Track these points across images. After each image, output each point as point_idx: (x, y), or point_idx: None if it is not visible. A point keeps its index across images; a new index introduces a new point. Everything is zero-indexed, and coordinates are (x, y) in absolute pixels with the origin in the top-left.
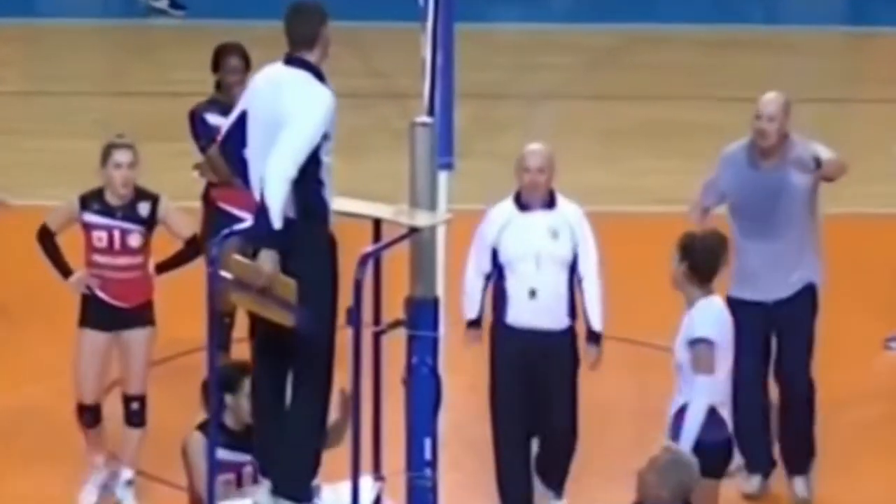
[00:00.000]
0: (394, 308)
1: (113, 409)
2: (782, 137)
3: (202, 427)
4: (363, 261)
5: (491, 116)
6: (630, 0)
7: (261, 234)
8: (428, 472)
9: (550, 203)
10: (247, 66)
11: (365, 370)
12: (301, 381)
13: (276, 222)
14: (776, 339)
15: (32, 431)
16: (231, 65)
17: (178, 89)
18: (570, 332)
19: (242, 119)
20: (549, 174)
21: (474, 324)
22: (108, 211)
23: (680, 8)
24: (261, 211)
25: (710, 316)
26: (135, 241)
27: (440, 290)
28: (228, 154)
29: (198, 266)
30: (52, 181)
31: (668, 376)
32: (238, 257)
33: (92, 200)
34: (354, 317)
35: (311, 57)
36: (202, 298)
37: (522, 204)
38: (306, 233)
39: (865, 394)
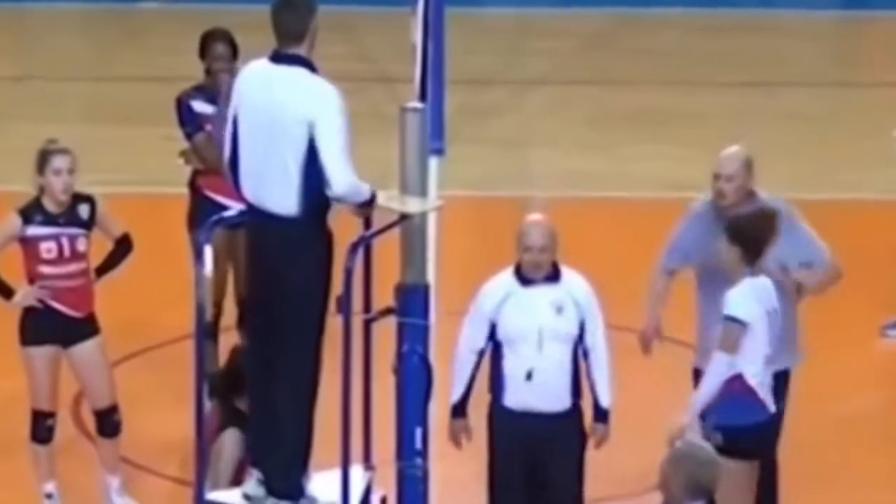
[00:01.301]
0: (384, 296)
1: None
2: (745, 196)
3: (230, 419)
4: (353, 248)
5: (481, 102)
6: None
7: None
8: (419, 461)
9: (554, 276)
10: (234, 53)
11: (355, 359)
12: (289, 375)
13: (366, 193)
14: None
15: None
16: (217, 51)
17: (165, 74)
18: (574, 413)
19: (235, 123)
20: (551, 251)
21: (459, 410)
22: (50, 220)
23: None
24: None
25: (748, 296)
26: (82, 245)
27: (431, 278)
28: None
29: (186, 254)
30: None
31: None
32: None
33: (32, 212)
34: (345, 305)
35: (301, 51)
36: (190, 286)
37: (523, 278)
38: (309, 230)
39: (861, 381)
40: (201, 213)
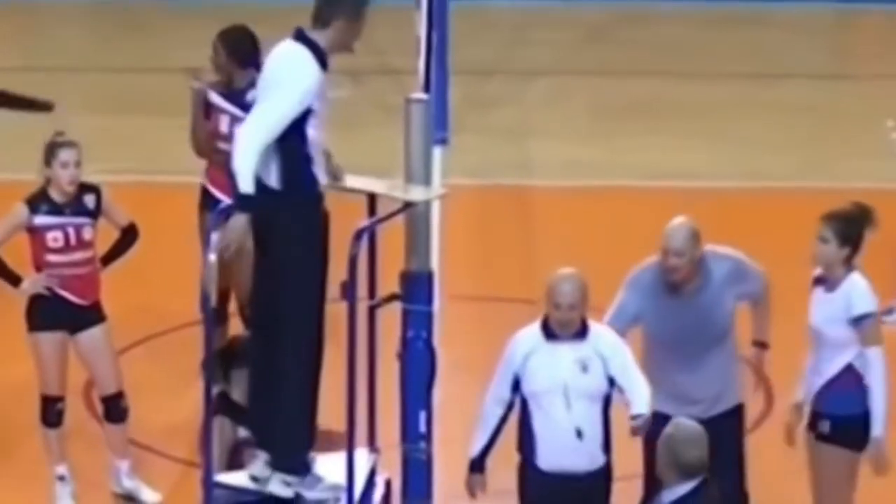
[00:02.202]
0: (389, 282)
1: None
2: (695, 265)
3: (222, 408)
4: (358, 236)
5: (484, 92)
6: None
7: (234, 200)
8: (423, 444)
9: (582, 332)
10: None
11: (360, 344)
12: (289, 355)
13: (244, 185)
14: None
15: None
16: (214, 47)
17: (166, 65)
18: (606, 471)
19: None
20: (581, 308)
21: (478, 465)
22: (57, 209)
23: None
24: (233, 177)
25: (865, 290)
26: (88, 234)
27: (435, 265)
28: None
29: (191, 242)
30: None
31: None
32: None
33: (39, 203)
34: (349, 291)
35: (318, 36)
36: (195, 273)
37: (550, 332)
38: (291, 205)
39: None
40: (208, 201)
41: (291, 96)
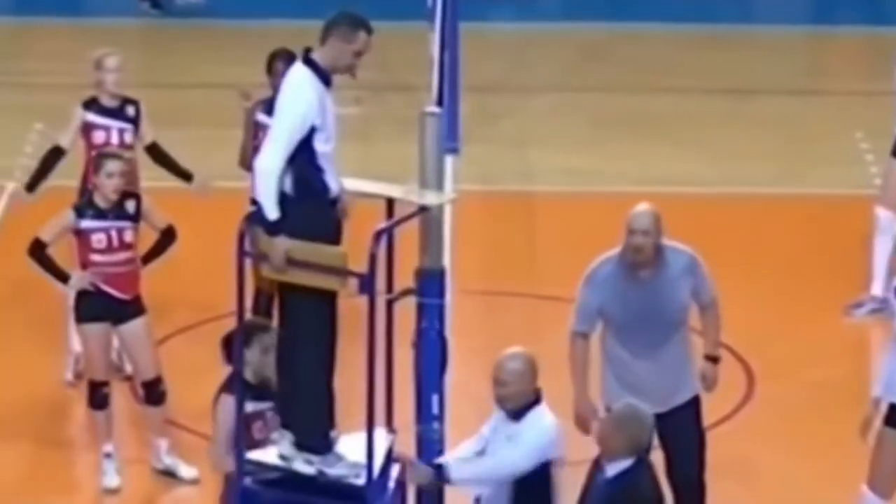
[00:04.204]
0: (405, 278)
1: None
2: (657, 248)
3: (227, 387)
4: (377, 236)
5: (491, 106)
6: (615, 0)
7: (263, 226)
8: (436, 425)
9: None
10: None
11: (379, 335)
12: (306, 343)
13: (270, 213)
14: (665, 447)
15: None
16: (278, 69)
17: (202, 81)
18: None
19: None
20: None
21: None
22: (101, 214)
23: (660, 7)
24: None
25: None
26: (129, 236)
27: (447, 262)
28: None
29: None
30: None
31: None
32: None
33: (85, 208)
34: (369, 286)
35: (319, 54)
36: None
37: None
38: (304, 209)
39: (827, 354)
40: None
41: (293, 121)
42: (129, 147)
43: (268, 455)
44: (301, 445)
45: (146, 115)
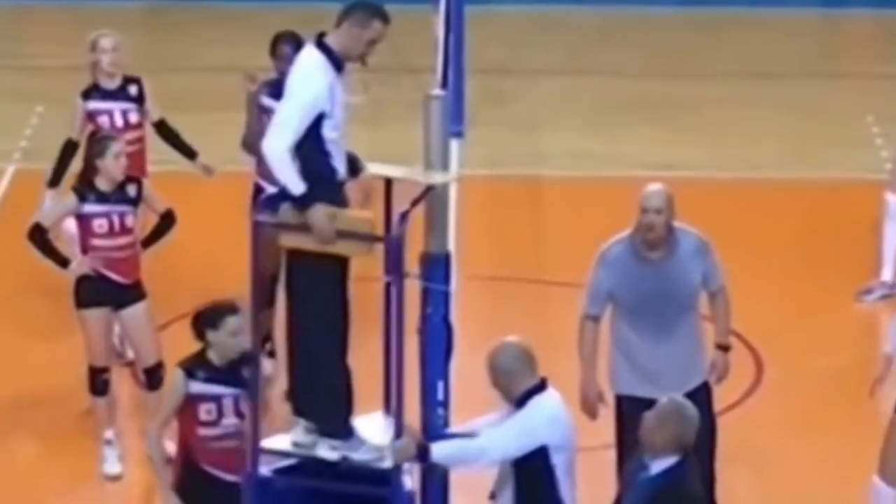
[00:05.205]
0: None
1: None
2: (669, 229)
3: (186, 363)
4: (401, 218)
5: (497, 89)
6: None
7: (293, 202)
8: (441, 410)
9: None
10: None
11: (378, 321)
12: (320, 324)
13: (296, 189)
14: None
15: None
16: (283, 52)
17: (204, 65)
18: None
19: None
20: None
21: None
22: (103, 198)
23: None
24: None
25: None
26: (130, 220)
27: (452, 247)
28: None
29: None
30: None
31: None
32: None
33: (87, 192)
34: (393, 272)
35: (332, 39)
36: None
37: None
38: (311, 192)
39: (837, 340)
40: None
41: (302, 105)
42: (136, 126)
43: (281, 442)
44: (323, 431)
45: (151, 93)
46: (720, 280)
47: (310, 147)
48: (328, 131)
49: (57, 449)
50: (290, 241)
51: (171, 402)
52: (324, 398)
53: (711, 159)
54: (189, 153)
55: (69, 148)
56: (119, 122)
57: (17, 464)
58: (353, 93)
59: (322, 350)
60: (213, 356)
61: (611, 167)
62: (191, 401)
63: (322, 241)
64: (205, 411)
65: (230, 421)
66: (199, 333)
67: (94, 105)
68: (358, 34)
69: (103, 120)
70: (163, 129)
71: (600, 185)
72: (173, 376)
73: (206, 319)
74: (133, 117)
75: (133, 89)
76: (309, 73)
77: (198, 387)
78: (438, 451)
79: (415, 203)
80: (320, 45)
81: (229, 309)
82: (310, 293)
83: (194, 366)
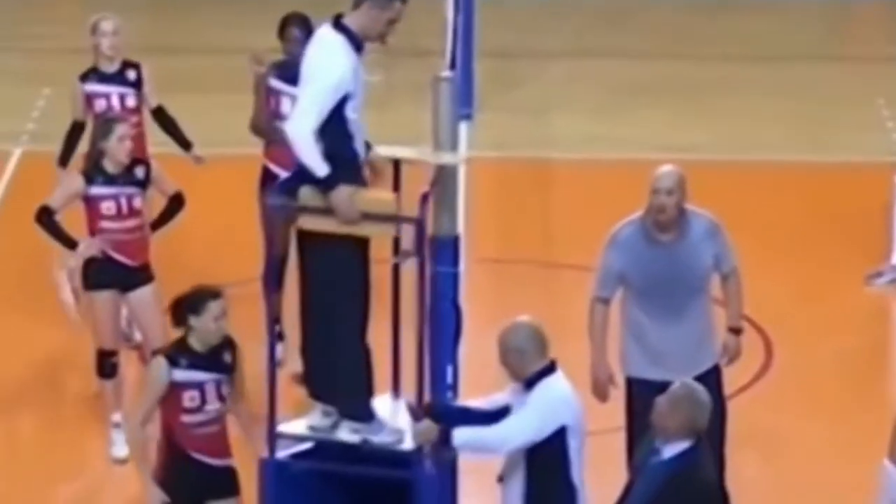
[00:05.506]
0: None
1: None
2: (680, 211)
3: (167, 351)
4: (423, 199)
5: (506, 72)
6: None
7: (317, 183)
8: (449, 393)
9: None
10: (308, 36)
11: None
12: (341, 308)
13: (320, 171)
14: None
15: None
16: (292, 34)
17: (211, 46)
18: None
19: None
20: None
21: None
22: (111, 180)
23: None
24: (303, 167)
25: None
26: (138, 202)
27: (461, 230)
28: None
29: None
30: None
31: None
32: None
33: (94, 174)
34: (419, 252)
35: (351, 20)
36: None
37: None
38: (334, 174)
39: (847, 323)
40: (268, 179)
41: (328, 87)
42: (134, 111)
43: (298, 427)
44: (345, 414)
45: (150, 78)
46: (732, 262)
47: (333, 129)
48: (351, 112)
49: (65, 432)
50: (309, 223)
51: (153, 393)
52: (345, 381)
53: (721, 142)
54: (184, 143)
55: (75, 129)
56: (116, 105)
57: (26, 447)
58: (370, 72)
59: (344, 332)
60: (195, 342)
61: (620, 150)
62: (174, 389)
63: (346, 223)
64: (188, 398)
65: (213, 406)
66: (181, 319)
67: (91, 87)
68: (378, 15)
69: (100, 103)
70: (160, 116)
71: (609, 167)
72: (155, 365)
73: (189, 305)
74: (130, 102)
75: (132, 74)
76: (332, 54)
77: (181, 375)
78: (460, 436)
79: (434, 184)
80: (338, 25)
81: (212, 294)
82: (332, 275)
83: (176, 354)
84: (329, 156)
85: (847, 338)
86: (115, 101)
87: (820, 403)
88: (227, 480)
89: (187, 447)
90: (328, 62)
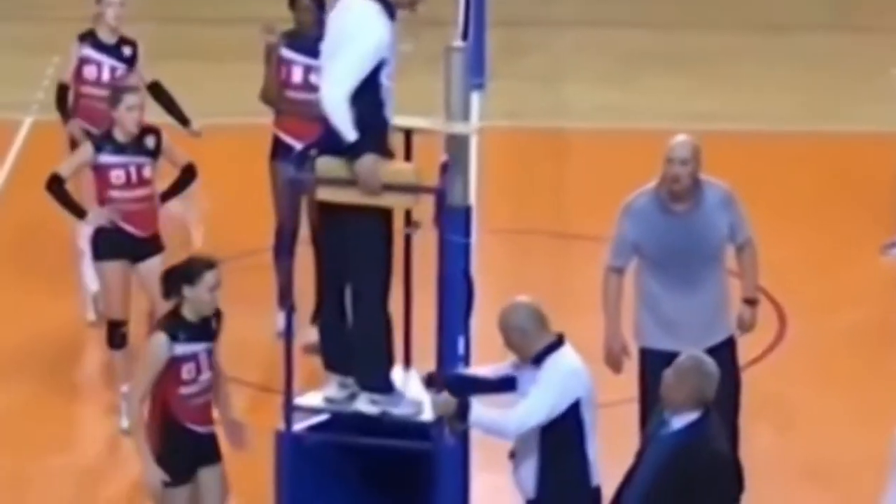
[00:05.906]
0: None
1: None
2: (694, 181)
3: (166, 326)
4: (444, 169)
5: (518, 42)
6: None
7: (344, 149)
8: (461, 365)
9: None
10: (320, 5)
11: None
12: (363, 282)
13: (349, 136)
14: None
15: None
16: (303, 3)
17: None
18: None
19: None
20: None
21: None
22: (120, 149)
23: None
24: (332, 132)
25: None
26: (147, 172)
27: (473, 200)
28: None
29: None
30: None
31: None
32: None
33: (104, 143)
34: (441, 223)
35: None
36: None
37: None
38: (364, 143)
39: (863, 293)
40: (279, 148)
41: (365, 52)
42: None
43: (314, 399)
44: (364, 385)
45: (144, 55)
46: (747, 232)
47: (366, 95)
48: (385, 79)
49: (75, 403)
50: (327, 194)
51: (153, 369)
52: (365, 351)
53: (734, 112)
54: (182, 119)
55: (61, 91)
56: (106, 76)
57: (35, 418)
58: (402, 40)
59: (367, 303)
60: (188, 313)
61: (632, 119)
62: (174, 363)
63: (367, 193)
64: (186, 371)
65: (205, 376)
66: (175, 289)
67: (86, 51)
68: None
69: (90, 70)
70: (156, 91)
71: (622, 136)
72: (156, 342)
73: (184, 274)
74: (120, 75)
75: (127, 50)
76: (368, 19)
77: (180, 348)
78: (477, 413)
79: (450, 155)
80: None
81: (207, 264)
82: (359, 246)
83: (174, 328)
84: (358, 122)
85: (861, 309)
86: (106, 72)
87: (833, 374)
88: (214, 447)
89: (184, 419)
90: (367, 28)
